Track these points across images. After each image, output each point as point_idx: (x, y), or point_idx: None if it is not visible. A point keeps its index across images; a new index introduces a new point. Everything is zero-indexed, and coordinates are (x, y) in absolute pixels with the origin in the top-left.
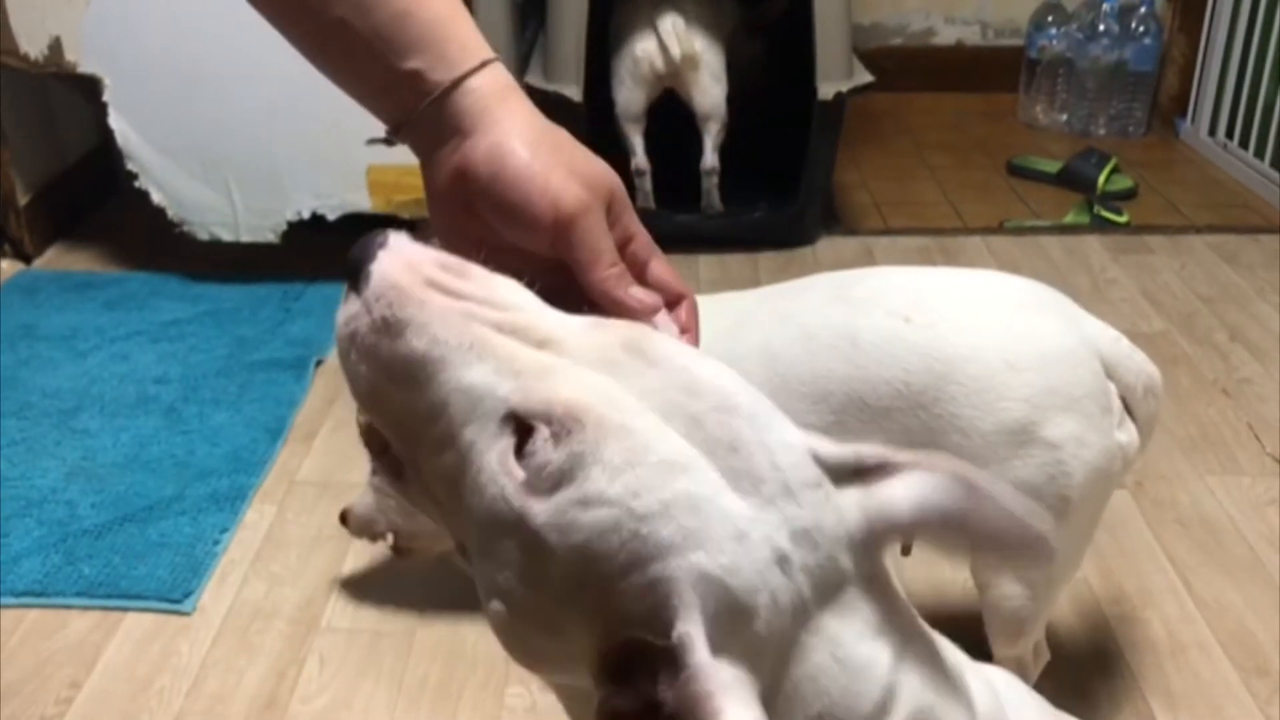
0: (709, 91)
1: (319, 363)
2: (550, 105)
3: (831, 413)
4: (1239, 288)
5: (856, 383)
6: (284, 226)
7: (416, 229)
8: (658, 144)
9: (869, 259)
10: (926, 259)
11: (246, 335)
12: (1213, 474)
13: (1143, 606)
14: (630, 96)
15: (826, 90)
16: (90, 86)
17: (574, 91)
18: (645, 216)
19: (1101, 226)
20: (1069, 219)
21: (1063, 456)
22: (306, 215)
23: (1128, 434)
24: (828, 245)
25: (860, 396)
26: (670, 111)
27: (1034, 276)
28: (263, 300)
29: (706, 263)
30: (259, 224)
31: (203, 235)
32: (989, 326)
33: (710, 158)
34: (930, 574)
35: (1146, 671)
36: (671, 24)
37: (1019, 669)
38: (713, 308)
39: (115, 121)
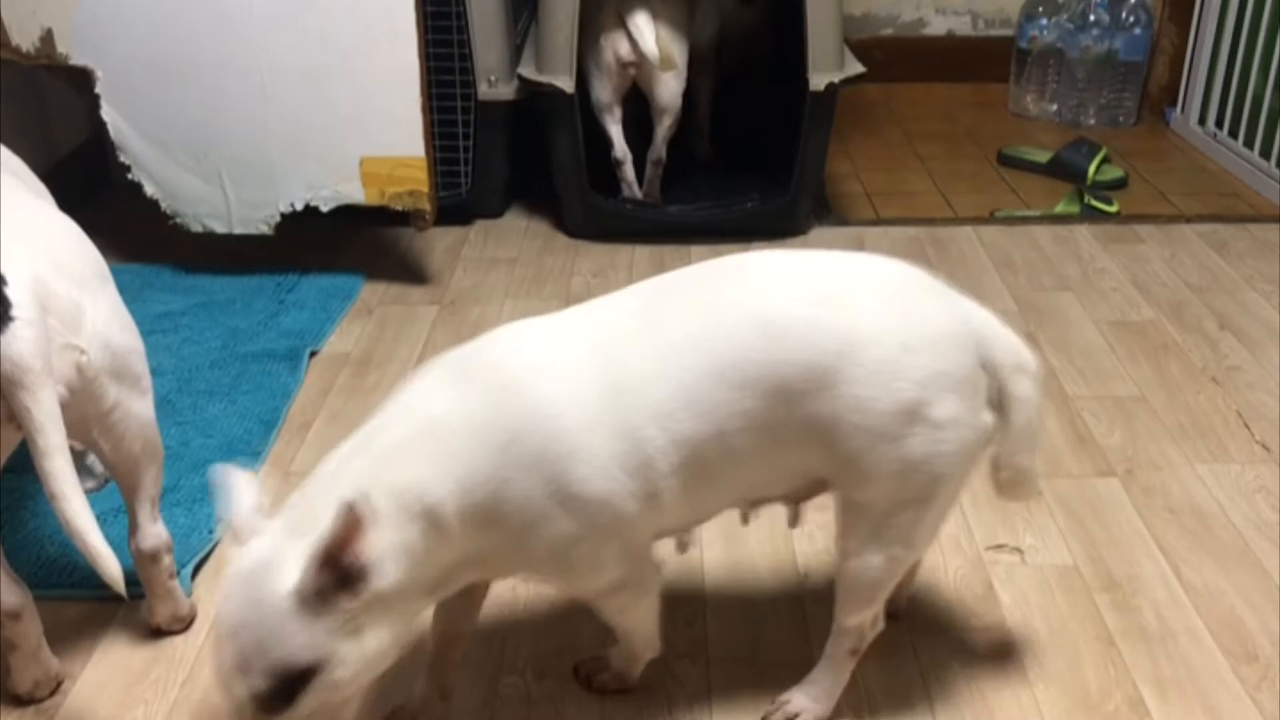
0: (668, 85)
1: (313, 354)
2: (543, 97)
3: (759, 398)
4: (1228, 276)
5: (775, 366)
6: (277, 218)
7: (412, 221)
8: (647, 136)
9: (860, 249)
10: (917, 248)
11: (240, 326)
12: (1202, 462)
13: (1133, 594)
14: (600, 88)
15: (818, 81)
16: (82, 78)
17: (566, 83)
18: (638, 206)
19: (1092, 216)
20: (1059, 209)
21: (944, 436)
22: (299, 207)
23: (990, 415)
24: (820, 235)
25: (780, 379)
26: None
27: (1025, 266)
28: (256, 292)
29: (699, 253)
30: (252, 216)
31: (196, 227)
32: (887, 309)
33: (660, 149)
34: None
35: (1137, 658)
36: (642, 22)
37: (858, 637)
38: (605, 309)
39: (107, 114)
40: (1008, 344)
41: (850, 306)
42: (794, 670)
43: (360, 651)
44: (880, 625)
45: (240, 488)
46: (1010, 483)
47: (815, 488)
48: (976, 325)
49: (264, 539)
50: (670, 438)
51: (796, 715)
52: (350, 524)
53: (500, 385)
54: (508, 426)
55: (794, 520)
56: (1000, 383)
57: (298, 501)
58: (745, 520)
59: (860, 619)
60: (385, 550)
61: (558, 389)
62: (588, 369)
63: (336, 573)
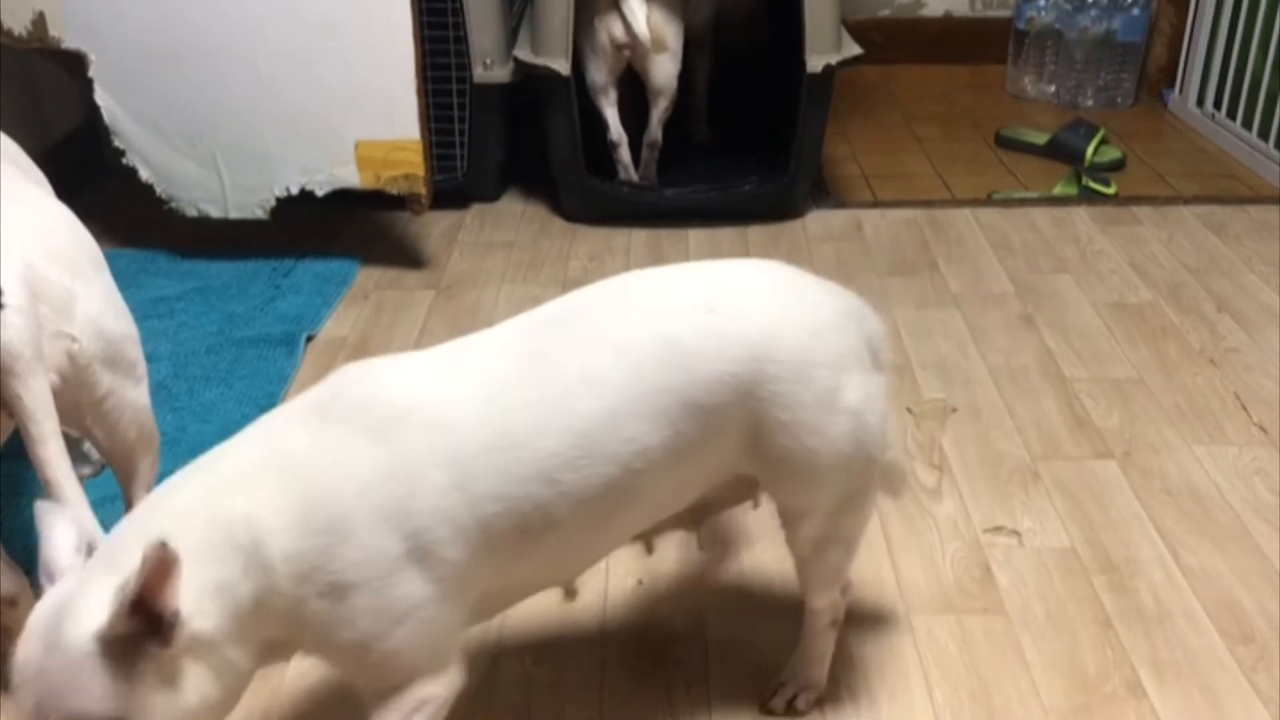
0: (664, 68)
1: (309, 339)
2: (539, 79)
3: (672, 424)
4: (1226, 258)
5: (687, 387)
6: (272, 202)
7: (408, 205)
8: (644, 119)
9: (858, 231)
10: (915, 231)
11: (236, 311)
12: (1200, 444)
13: (1130, 576)
14: (595, 69)
15: (815, 63)
16: (75, 62)
17: (562, 65)
18: (635, 189)
19: (1089, 198)
20: (1057, 190)
21: (864, 417)
22: (295, 191)
23: (882, 375)
24: (817, 218)
25: (693, 400)
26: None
27: (1022, 248)
28: (252, 276)
29: (696, 237)
30: (247, 200)
31: (191, 212)
32: (782, 302)
33: (655, 132)
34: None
35: (1134, 640)
36: (635, 3)
37: (833, 610)
38: (483, 349)
39: (101, 98)
40: (872, 314)
41: (748, 308)
42: (792, 649)
43: (177, 705)
44: (851, 592)
45: (56, 525)
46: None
47: (732, 494)
48: (850, 300)
49: (73, 576)
50: (563, 490)
51: (795, 697)
52: (159, 566)
53: (367, 427)
54: (368, 472)
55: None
56: (873, 351)
57: (118, 533)
58: (650, 550)
59: (829, 597)
60: (206, 588)
61: (432, 437)
62: (469, 417)
63: (145, 619)
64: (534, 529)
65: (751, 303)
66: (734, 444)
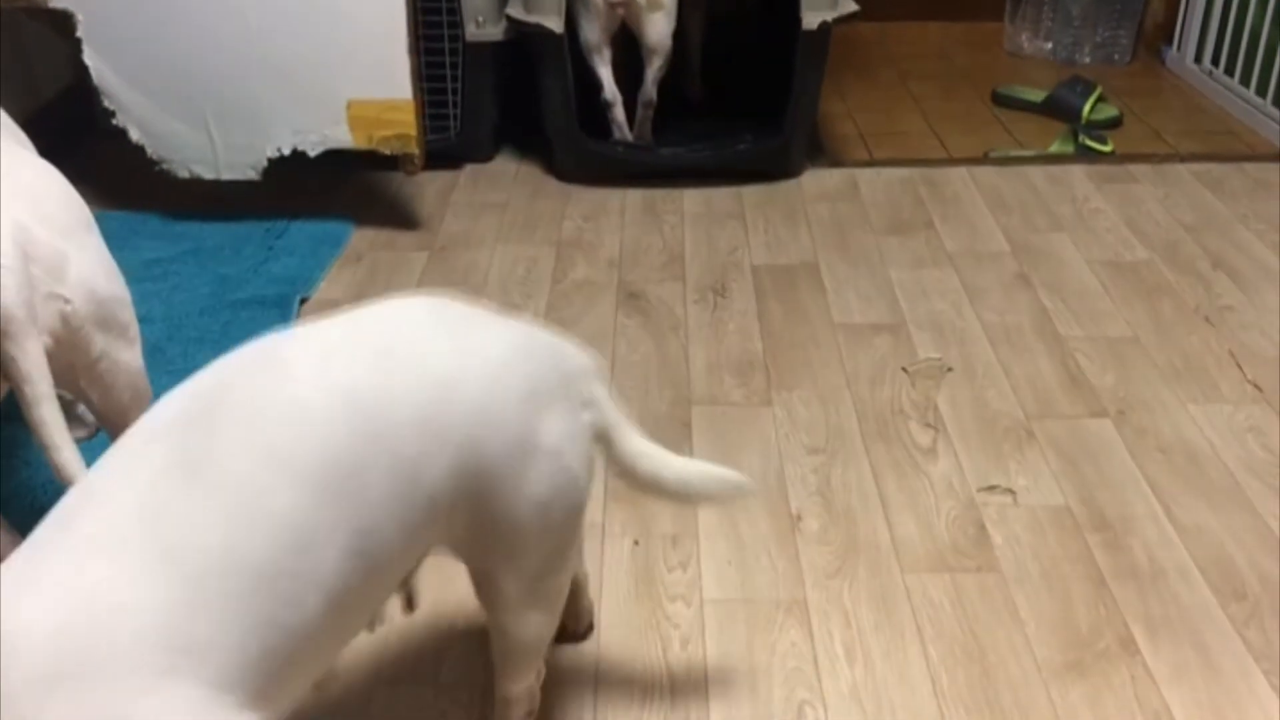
0: (658, 26)
1: (303, 300)
2: (532, 37)
3: (382, 480)
4: (1222, 216)
5: (384, 438)
6: (264, 163)
7: (401, 165)
8: (638, 78)
9: (854, 190)
10: (911, 190)
11: (229, 273)
12: (1194, 402)
13: (1124, 533)
14: (588, 28)
15: (811, 19)
16: (64, 22)
17: (555, 23)
18: (629, 149)
19: (1086, 156)
20: (1053, 148)
21: (566, 460)
22: (287, 152)
23: (589, 415)
24: (813, 177)
25: (392, 450)
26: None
27: (1019, 206)
28: (245, 238)
29: (691, 196)
30: (239, 161)
31: (182, 173)
32: (460, 345)
33: (650, 91)
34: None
35: (1127, 597)
36: None
37: (530, 698)
38: (120, 476)
39: (90, 58)
40: (572, 350)
41: (423, 350)
42: (787, 609)
43: None
44: (543, 672)
45: None
46: (658, 478)
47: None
48: (540, 337)
49: None
50: (300, 586)
51: None
52: None
53: (36, 682)
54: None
55: (413, 604)
56: (578, 391)
57: None
58: (372, 628)
59: (526, 681)
60: None
61: (124, 628)
62: (153, 576)
63: None
64: (288, 644)
65: (426, 345)
66: (442, 502)
